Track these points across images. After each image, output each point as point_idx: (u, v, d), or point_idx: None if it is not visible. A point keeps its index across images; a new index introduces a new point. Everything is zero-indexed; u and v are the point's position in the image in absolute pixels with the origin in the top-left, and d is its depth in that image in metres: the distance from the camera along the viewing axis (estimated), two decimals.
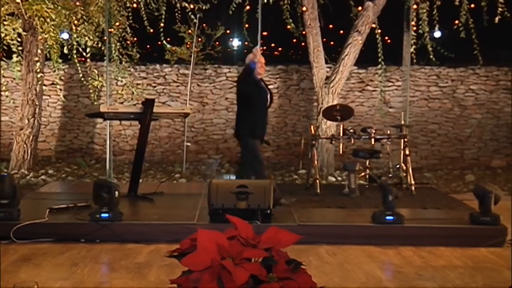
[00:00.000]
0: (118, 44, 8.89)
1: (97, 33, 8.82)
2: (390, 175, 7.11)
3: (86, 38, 8.71)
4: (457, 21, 8.62)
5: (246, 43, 9.75)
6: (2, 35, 8.33)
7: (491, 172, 9.38)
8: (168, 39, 9.48)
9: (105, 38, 8.17)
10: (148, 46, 10.51)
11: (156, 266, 3.91)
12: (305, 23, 8.70)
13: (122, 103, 9.71)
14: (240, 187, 4.67)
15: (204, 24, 9.68)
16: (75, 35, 8.56)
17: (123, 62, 9.22)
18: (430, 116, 10.25)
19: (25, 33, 8.48)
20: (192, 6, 8.66)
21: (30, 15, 8.19)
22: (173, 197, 6.05)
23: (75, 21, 8.41)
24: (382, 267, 4.05)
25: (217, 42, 10.36)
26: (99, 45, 8.82)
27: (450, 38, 9.47)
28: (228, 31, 10.52)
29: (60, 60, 8.71)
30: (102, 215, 4.61)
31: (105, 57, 8.33)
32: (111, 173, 7.90)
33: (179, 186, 7.56)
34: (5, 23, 8.40)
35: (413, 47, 8.75)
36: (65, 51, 8.63)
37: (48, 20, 8.15)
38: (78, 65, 8.90)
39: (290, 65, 10.35)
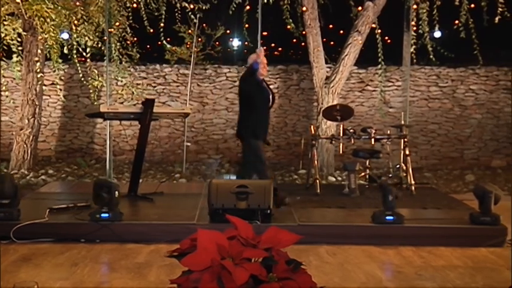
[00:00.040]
0: (118, 44, 8.90)
1: (97, 33, 8.82)
2: (390, 175, 7.11)
3: (86, 38, 8.71)
4: (457, 21, 8.62)
5: (246, 43, 9.76)
6: (2, 35, 8.33)
7: (491, 172, 9.38)
8: (168, 39, 9.49)
9: (105, 38, 8.17)
10: (148, 46, 10.51)
11: (156, 266, 3.91)
12: (305, 23, 8.70)
13: (122, 103, 9.71)
14: (240, 187, 4.66)
15: (204, 24, 9.69)
16: (75, 35, 8.56)
17: (123, 62, 9.22)
18: (430, 116, 10.25)
19: (25, 33, 8.48)
20: (192, 6, 8.67)
21: (30, 15, 8.19)
22: (173, 197, 6.05)
23: (75, 21, 8.41)
24: (382, 267, 4.04)
25: (217, 42, 10.36)
26: (99, 45, 8.82)
27: (450, 38, 9.47)
28: (228, 31, 10.53)
29: (60, 60, 8.71)
30: (102, 215, 4.61)
31: (105, 57, 8.33)
32: (111, 173, 7.91)
33: (179, 186, 7.56)
34: (5, 23, 8.41)
35: (413, 47, 8.75)
36: (65, 51, 8.64)
37: (48, 20, 8.15)
38: (78, 65, 8.90)
39: (290, 65, 10.35)
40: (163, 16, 8.72)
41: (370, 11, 8.54)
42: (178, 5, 8.68)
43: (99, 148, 10.15)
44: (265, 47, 6.22)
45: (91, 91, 9.27)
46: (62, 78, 9.82)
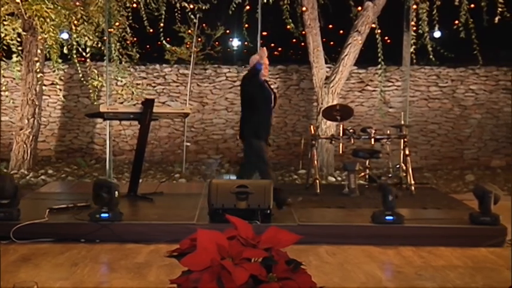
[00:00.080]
0: (118, 44, 8.90)
1: (97, 33, 8.83)
2: (390, 175, 7.11)
3: (86, 38, 8.71)
4: (456, 21, 8.62)
5: (246, 43, 9.75)
6: (2, 35, 8.33)
7: (491, 172, 9.39)
8: (168, 39, 9.48)
9: (105, 38, 8.18)
10: (148, 46, 10.52)
11: (155, 266, 3.91)
12: (305, 23, 8.70)
13: (121, 103, 9.71)
14: (240, 187, 4.66)
15: (204, 24, 9.68)
16: (75, 35, 8.56)
17: (123, 62, 9.23)
18: (430, 116, 10.25)
19: (25, 33, 8.48)
20: (191, 6, 8.67)
21: (30, 15, 8.19)
22: (173, 197, 6.05)
23: (75, 21, 8.41)
24: (382, 267, 4.04)
25: (217, 42, 10.35)
26: (99, 45, 8.82)
27: (450, 38, 9.47)
28: (227, 31, 10.52)
29: (60, 60, 8.72)
30: (102, 215, 4.61)
31: (105, 57, 8.33)
32: (111, 173, 7.91)
33: (179, 186, 7.56)
34: (5, 23, 8.40)
35: (413, 47, 8.75)
36: (65, 51, 8.64)
37: (48, 20, 8.15)
38: (78, 65, 8.91)
39: (290, 65, 10.35)
40: (163, 16, 8.73)
41: (370, 11, 8.54)
42: (178, 5, 8.69)
43: (99, 148, 10.15)
44: (264, 47, 6.21)
45: (91, 91, 9.27)
46: (62, 78, 9.82)
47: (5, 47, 8.49)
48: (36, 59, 8.58)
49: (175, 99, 10.16)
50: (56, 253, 4.21)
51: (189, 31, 9.47)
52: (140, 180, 6.15)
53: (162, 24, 8.79)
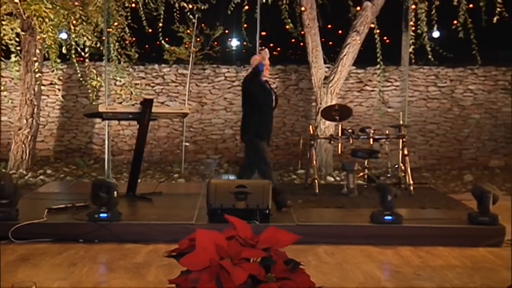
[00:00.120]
0: (116, 44, 8.90)
1: (95, 33, 8.82)
2: (389, 175, 7.11)
3: (85, 38, 8.71)
4: (455, 21, 8.63)
5: (245, 43, 9.75)
6: (1, 34, 8.32)
7: (490, 172, 9.40)
8: (167, 39, 9.48)
9: (104, 38, 8.17)
10: (146, 46, 10.51)
11: (154, 266, 3.90)
12: (304, 23, 8.70)
13: (120, 103, 9.71)
14: (239, 187, 4.66)
15: (203, 24, 9.67)
16: (73, 35, 8.56)
17: (122, 62, 9.23)
18: (429, 116, 10.26)
19: (23, 33, 8.47)
20: (190, 6, 8.68)
21: (28, 15, 8.18)
22: (172, 197, 6.05)
23: (74, 21, 8.41)
24: (381, 267, 4.05)
25: (215, 42, 10.34)
26: (98, 45, 8.82)
27: (449, 38, 9.47)
28: (226, 31, 10.51)
29: (58, 60, 8.71)
30: (101, 215, 4.61)
31: (103, 57, 8.32)
32: (110, 173, 7.90)
33: (178, 186, 7.56)
34: (4, 22, 8.39)
35: (412, 47, 8.75)
36: (64, 51, 8.64)
37: (47, 20, 8.14)
38: (76, 65, 8.90)
39: (289, 65, 10.35)
40: (161, 16, 8.73)
41: (368, 11, 8.54)
42: (176, 5, 8.69)
43: (98, 148, 10.14)
44: (263, 47, 6.21)
45: (89, 91, 9.27)
46: (61, 78, 9.81)
47: (3, 47, 8.48)
48: (35, 59, 8.57)
49: (174, 99, 10.16)
50: (54, 253, 4.21)
51: (188, 31, 9.46)
52: (139, 180, 6.15)
53: (160, 24, 8.79)
